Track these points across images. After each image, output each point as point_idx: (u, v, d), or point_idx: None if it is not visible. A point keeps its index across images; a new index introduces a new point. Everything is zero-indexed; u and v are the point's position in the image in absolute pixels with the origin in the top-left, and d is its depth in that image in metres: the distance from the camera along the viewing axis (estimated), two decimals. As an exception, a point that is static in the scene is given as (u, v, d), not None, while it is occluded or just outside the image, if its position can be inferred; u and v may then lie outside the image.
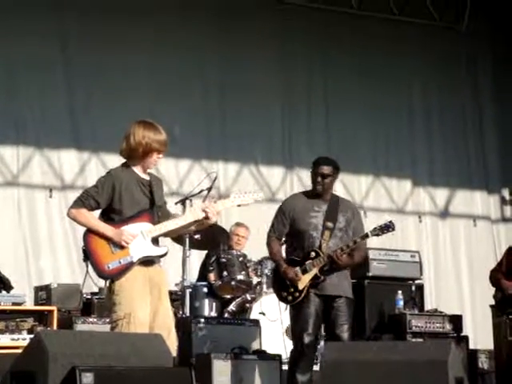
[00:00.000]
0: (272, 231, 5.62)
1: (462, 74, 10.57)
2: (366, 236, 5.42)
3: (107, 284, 4.72)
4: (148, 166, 4.85)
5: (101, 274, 4.70)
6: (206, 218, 4.78)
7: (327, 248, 5.39)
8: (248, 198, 4.92)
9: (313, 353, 5.40)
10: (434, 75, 10.31)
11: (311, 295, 5.39)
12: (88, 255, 4.70)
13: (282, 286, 5.48)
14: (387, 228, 5.45)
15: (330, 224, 5.44)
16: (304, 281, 5.39)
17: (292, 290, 5.42)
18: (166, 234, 4.92)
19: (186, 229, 4.96)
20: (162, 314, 4.74)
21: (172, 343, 4.66)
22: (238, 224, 7.97)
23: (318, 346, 5.85)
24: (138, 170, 4.83)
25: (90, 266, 4.72)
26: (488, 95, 10.69)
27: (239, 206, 4.92)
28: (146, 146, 4.76)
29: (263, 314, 6.94)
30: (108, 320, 6.39)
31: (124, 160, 4.88)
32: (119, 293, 4.64)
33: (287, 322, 6.06)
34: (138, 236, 4.71)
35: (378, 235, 5.48)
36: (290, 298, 5.45)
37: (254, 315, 6.93)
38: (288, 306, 5.58)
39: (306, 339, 5.34)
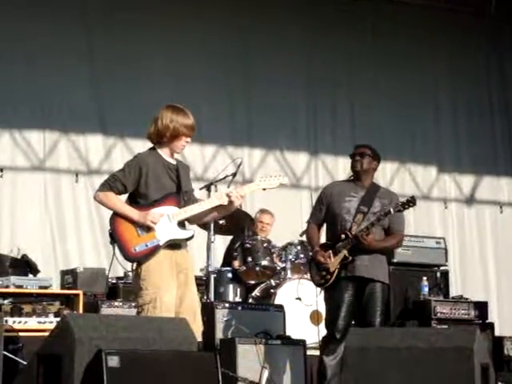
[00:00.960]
0: (310, 218, 5.70)
1: (488, 60, 10.47)
2: (389, 212, 5.40)
3: (134, 269, 4.73)
4: (175, 150, 4.85)
5: (127, 256, 4.71)
6: (230, 202, 4.80)
7: (357, 230, 5.41)
8: (273, 181, 4.93)
9: (342, 337, 5.40)
10: (460, 61, 10.23)
11: (343, 281, 5.41)
12: (115, 238, 4.72)
13: (316, 270, 5.53)
14: (408, 203, 5.43)
15: (363, 208, 5.46)
16: (334, 263, 5.42)
17: (324, 273, 5.45)
18: (191, 220, 4.93)
19: (211, 214, 4.96)
20: (189, 298, 4.76)
21: (198, 328, 4.69)
22: (262, 211, 7.95)
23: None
24: (164, 154, 4.83)
25: (116, 249, 4.74)
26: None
27: (264, 189, 4.95)
28: (174, 130, 4.77)
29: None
30: (134, 304, 6.48)
31: (151, 145, 4.90)
32: (146, 277, 4.65)
33: (320, 307, 6.08)
34: (165, 219, 4.72)
35: (400, 211, 5.45)
36: (322, 281, 5.48)
37: (278, 300, 6.93)
38: (321, 291, 5.61)
39: (337, 324, 5.36)
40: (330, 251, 5.45)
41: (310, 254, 5.79)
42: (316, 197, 5.86)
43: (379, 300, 5.40)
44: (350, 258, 5.39)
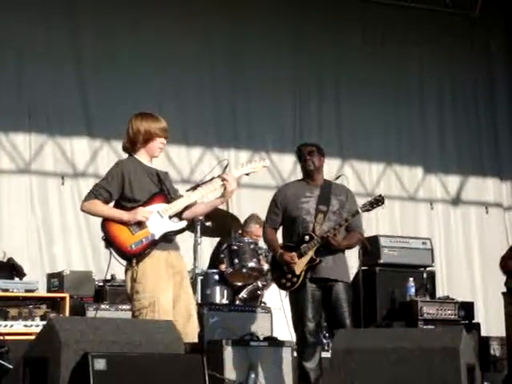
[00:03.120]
0: (266, 222, 5.67)
1: (475, 61, 10.52)
2: (357, 213, 5.40)
3: (130, 272, 4.69)
4: (152, 153, 4.87)
5: (125, 254, 4.68)
6: (225, 186, 4.85)
7: (321, 230, 5.38)
8: (256, 165, 5.00)
9: (315, 339, 5.40)
10: (447, 62, 10.27)
11: (308, 283, 5.38)
12: (110, 242, 4.71)
13: (281, 272, 5.49)
14: (377, 202, 5.42)
15: (323, 207, 5.43)
16: (300, 265, 5.38)
17: (290, 275, 5.42)
18: (186, 218, 4.89)
19: (209, 204, 4.99)
20: (184, 299, 4.75)
21: (193, 329, 4.73)
22: (256, 222, 7.77)
23: (321, 334, 5.87)
24: (143, 159, 4.86)
25: (113, 254, 4.71)
26: (501, 82, 10.63)
27: (247, 174, 5.00)
28: (146, 133, 4.82)
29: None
30: (121, 307, 6.48)
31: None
32: (142, 281, 4.64)
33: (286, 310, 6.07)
34: (155, 215, 4.73)
35: (368, 210, 5.44)
36: (288, 284, 5.44)
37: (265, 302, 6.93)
38: (287, 294, 5.58)
39: (307, 326, 5.35)
40: (294, 253, 5.42)
41: (272, 257, 5.71)
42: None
43: (345, 301, 5.38)
44: (318, 259, 5.37)
